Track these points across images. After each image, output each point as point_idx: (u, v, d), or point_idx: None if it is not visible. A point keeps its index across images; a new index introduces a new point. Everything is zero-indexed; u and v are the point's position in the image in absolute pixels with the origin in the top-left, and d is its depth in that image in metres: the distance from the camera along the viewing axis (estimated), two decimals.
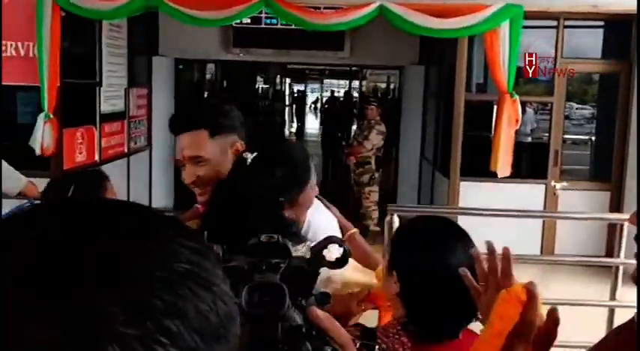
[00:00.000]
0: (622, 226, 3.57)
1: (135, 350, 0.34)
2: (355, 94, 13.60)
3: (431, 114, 7.77)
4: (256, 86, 16.47)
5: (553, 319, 0.90)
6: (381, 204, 6.62)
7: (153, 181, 7.71)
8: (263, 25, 7.59)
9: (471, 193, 5.90)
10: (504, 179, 5.42)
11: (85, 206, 0.43)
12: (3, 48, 5.16)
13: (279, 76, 18.41)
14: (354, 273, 1.61)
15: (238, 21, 6.63)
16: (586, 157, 6.89)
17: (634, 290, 0.97)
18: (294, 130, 19.51)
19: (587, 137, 7.00)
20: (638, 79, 5.92)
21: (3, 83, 4.65)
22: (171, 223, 0.43)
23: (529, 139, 6.79)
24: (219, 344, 0.40)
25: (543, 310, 0.92)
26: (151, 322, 0.36)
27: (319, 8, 5.73)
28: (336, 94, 17.16)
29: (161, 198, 7.67)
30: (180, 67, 8.35)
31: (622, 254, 3.54)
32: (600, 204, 6.13)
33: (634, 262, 0.99)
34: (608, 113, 6.43)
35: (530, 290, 0.91)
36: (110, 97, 6.53)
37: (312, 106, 21.16)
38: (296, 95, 21.66)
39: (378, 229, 6.73)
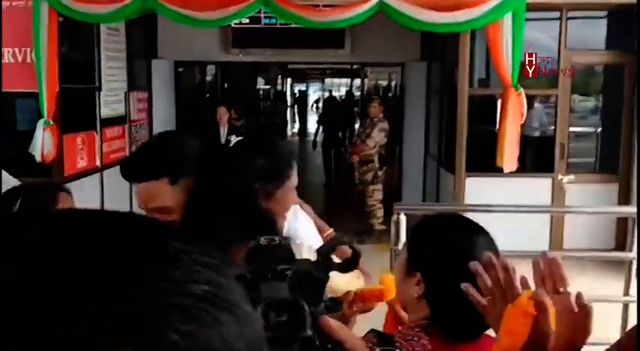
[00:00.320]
0: (633, 219, 3.50)
1: None
2: (357, 93, 13.54)
3: (434, 110, 7.72)
4: (257, 87, 16.45)
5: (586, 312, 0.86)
6: (386, 202, 6.56)
7: None
8: (262, 25, 7.55)
9: (477, 188, 5.84)
10: (510, 174, 5.35)
11: (85, 217, 0.37)
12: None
13: (280, 76, 18.39)
14: (337, 275, 1.57)
15: (237, 21, 6.58)
16: (591, 150, 6.81)
17: None
18: (296, 130, 19.47)
19: (592, 129, 6.91)
20: (637, 71, 5.86)
21: (2, 90, 4.62)
22: (180, 235, 0.36)
23: (536, 134, 6.72)
24: None
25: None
26: None
27: (318, 6, 5.67)
28: (334, 93, 17.10)
29: None
30: (180, 69, 8.31)
31: (634, 248, 3.47)
32: (608, 196, 6.06)
33: None
34: (614, 105, 6.37)
35: (539, 302, 0.87)
36: (110, 101, 6.51)
37: (314, 105, 21.13)
38: (297, 95, 21.61)
39: (383, 227, 6.67)
